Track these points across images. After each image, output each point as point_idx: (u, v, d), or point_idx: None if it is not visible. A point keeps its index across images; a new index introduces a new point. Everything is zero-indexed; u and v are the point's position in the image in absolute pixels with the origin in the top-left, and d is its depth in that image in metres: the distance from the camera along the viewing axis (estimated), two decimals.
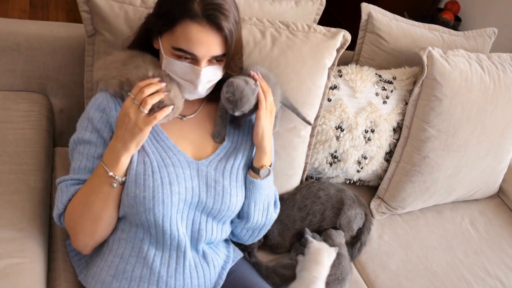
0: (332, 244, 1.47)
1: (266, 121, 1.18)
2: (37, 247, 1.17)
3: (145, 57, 1.14)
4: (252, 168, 1.23)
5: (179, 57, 1.07)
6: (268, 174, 1.23)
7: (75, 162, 1.13)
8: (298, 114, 1.43)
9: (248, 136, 1.26)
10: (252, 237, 1.32)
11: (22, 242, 1.15)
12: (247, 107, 1.15)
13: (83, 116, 1.17)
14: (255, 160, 1.22)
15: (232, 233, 1.31)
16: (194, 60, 1.07)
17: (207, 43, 1.05)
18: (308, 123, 1.48)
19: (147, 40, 1.15)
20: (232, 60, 1.12)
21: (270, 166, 1.23)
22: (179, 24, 1.04)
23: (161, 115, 1.04)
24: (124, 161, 1.07)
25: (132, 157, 1.09)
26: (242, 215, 1.25)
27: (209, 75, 1.10)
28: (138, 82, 1.05)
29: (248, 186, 1.22)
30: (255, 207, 1.24)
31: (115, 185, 1.07)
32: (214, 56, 1.07)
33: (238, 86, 1.13)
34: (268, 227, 1.32)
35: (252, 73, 1.19)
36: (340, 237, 1.50)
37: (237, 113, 1.16)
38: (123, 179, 1.08)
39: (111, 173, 1.06)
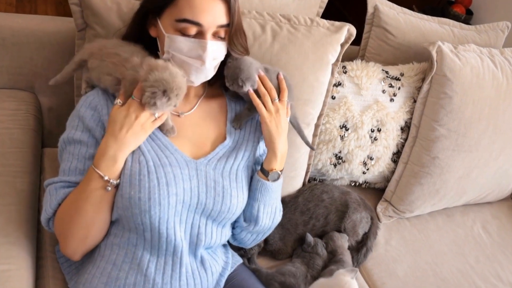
0: (333, 246, 1.46)
1: (272, 125, 1.20)
2: (24, 253, 1.17)
3: (141, 51, 1.14)
4: (261, 169, 1.24)
5: (183, 33, 1.09)
6: (277, 179, 1.24)
7: (65, 163, 1.13)
8: (303, 138, 1.42)
9: (250, 135, 1.27)
10: (255, 241, 1.33)
11: (8, 248, 1.14)
12: (244, 78, 1.18)
13: (73, 115, 1.17)
14: (265, 161, 1.24)
15: (233, 236, 1.31)
16: (199, 33, 1.09)
17: (212, 10, 1.07)
18: (311, 148, 1.51)
19: (142, 29, 1.16)
20: (235, 34, 1.14)
21: (281, 171, 1.25)
22: None
23: (165, 116, 1.10)
24: (121, 163, 1.08)
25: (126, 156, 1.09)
26: (250, 218, 1.25)
27: (215, 51, 1.12)
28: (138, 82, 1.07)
29: (259, 188, 1.23)
30: (264, 209, 1.25)
31: (109, 188, 1.07)
32: (219, 25, 1.09)
33: (244, 60, 1.18)
34: (271, 231, 1.33)
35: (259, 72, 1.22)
36: (343, 240, 1.50)
37: (232, 86, 1.20)
38: (118, 181, 1.08)
39: (106, 177, 1.06)
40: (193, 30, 1.09)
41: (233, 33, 1.13)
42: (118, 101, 1.08)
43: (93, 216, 1.08)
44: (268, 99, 1.21)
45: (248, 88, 1.19)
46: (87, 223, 1.09)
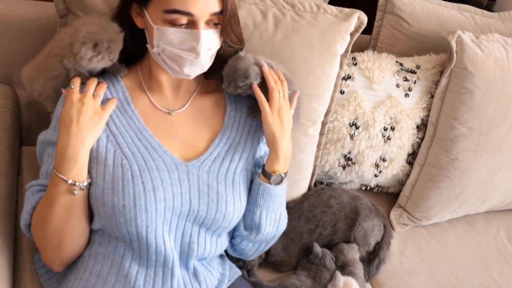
0: (344, 260, 1.47)
1: (275, 124, 1.20)
2: (0, 264, 1.16)
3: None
4: (263, 171, 1.24)
5: (173, 24, 1.09)
6: (279, 182, 1.24)
7: (44, 166, 1.15)
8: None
9: (248, 135, 1.27)
10: (257, 252, 1.33)
11: None
12: (241, 82, 1.19)
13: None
14: (267, 162, 1.24)
15: (233, 247, 1.31)
16: (191, 23, 1.09)
17: None
18: None
19: (126, 20, 1.16)
20: (228, 22, 1.14)
21: (285, 174, 1.25)
22: None
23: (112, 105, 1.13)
24: (84, 161, 1.07)
25: (107, 161, 1.10)
26: (251, 226, 1.25)
27: (209, 41, 1.12)
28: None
29: (261, 193, 1.23)
30: (267, 216, 1.25)
31: (76, 192, 1.07)
32: (212, 13, 1.09)
33: (243, 59, 1.20)
34: (275, 239, 1.33)
35: (261, 63, 1.22)
36: (353, 251, 1.50)
37: (228, 88, 1.21)
38: (85, 183, 1.08)
39: (70, 181, 1.06)
40: (183, 20, 1.08)
41: (226, 20, 1.13)
42: (71, 85, 1.10)
43: (61, 223, 1.08)
44: (276, 94, 1.20)
45: (246, 85, 1.20)
46: (57, 230, 1.09)
